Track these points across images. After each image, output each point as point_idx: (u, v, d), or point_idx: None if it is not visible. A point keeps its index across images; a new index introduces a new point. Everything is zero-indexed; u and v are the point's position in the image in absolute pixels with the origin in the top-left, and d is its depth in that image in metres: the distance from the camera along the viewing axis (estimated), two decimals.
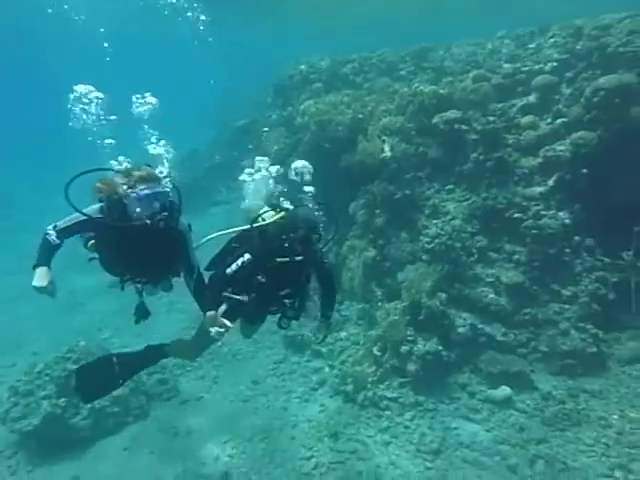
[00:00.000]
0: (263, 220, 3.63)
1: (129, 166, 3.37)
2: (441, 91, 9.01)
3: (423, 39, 12.95)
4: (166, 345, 3.84)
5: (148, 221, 3.04)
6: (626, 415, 6.34)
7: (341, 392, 7.57)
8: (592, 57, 8.22)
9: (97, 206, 3.18)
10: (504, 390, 6.99)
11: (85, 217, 3.07)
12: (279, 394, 7.83)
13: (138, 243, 3.11)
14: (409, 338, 7.51)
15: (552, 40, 9.43)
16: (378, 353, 7.78)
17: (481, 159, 8.57)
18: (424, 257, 8.39)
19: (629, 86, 7.38)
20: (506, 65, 9.68)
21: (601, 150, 7.68)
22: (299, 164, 4.24)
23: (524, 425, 6.48)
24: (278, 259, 3.37)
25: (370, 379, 7.49)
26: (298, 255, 3.36)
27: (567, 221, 7.84)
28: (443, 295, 7.72)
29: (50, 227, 3.09)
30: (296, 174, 4.15)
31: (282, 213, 3.64)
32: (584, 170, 7.85)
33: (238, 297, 3.46)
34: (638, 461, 5.68)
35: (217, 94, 22.20)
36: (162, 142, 3.72)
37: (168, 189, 3.22)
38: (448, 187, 8.98)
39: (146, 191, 3.05)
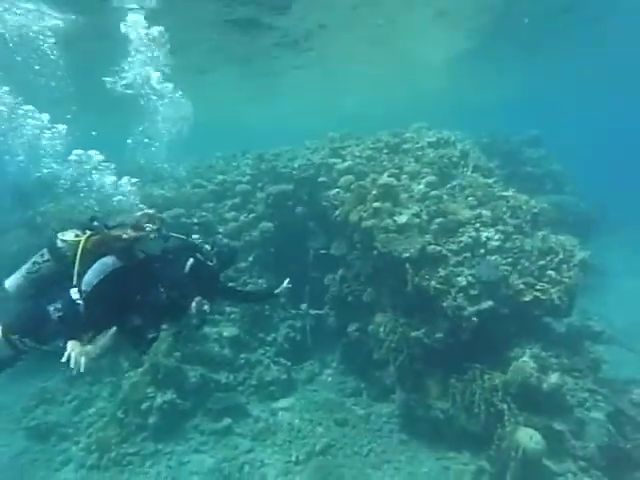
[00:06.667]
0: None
1: None
2: (167, 194, 10.96)
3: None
4: None
5: None
6: (304, 417, 8.53)
7: (85, 463, 7.73)
8: (270, 174, 11.47)
9: None
10: (226, 421, 8.38)
11: None
12: None
13: None
14: (150, 395, 8.29)
15: (246, 161, 12.72)
16: (122, 416, 8.33)
17: None
18: None
19: (287, 192, 10.67)
20: (219, 176, 12.39)
21: (279, 235, 10.65)
22: None
23: (237, 444, 7.94)
24: None
25: (114, 441, 7.96)
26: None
27: (258, 285, 10.31)
28: (178, 354, 8.97)
29: None
30: None
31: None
32: (272, 249, 10.67)
33: None
34: (307, 447, 7.76)
35: None
36: None
37: None
38: None
39: None
